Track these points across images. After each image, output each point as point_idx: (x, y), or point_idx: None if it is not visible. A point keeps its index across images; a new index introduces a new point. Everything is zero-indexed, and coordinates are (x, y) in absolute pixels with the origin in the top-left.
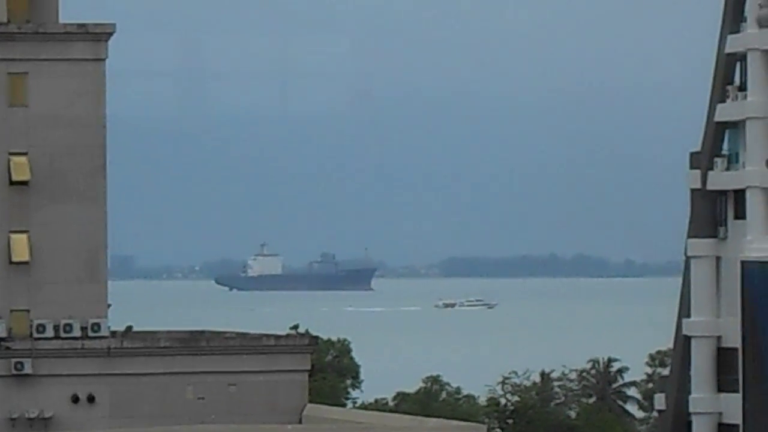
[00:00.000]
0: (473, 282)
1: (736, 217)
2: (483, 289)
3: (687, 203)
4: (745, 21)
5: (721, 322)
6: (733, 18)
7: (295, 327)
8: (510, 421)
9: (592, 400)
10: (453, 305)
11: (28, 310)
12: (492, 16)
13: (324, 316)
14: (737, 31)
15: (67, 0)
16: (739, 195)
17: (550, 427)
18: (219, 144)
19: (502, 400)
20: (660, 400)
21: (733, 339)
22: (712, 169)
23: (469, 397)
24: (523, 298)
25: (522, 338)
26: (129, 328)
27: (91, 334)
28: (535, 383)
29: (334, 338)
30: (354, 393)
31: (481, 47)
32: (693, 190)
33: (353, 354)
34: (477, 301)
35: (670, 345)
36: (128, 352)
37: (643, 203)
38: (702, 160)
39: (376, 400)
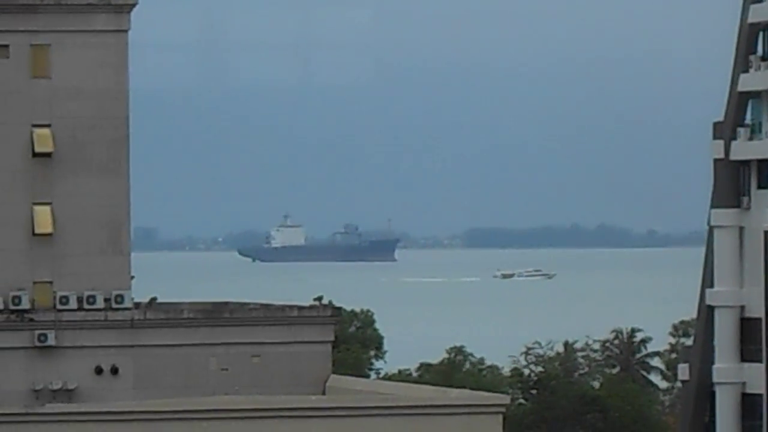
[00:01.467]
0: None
1: (759, 187)
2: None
3: (710, 173)
4: None
5: (744, 291)
6: None
7: (319, 298)
8: (533, 391)
9: (615, 371)
10: (512, 276)
11: (51, 282)
12: None
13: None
14: (760, 1)
15: None
16: (763, 165)
17: (574, 398)
18: (241, 115)
19: (526, 371)
20: (683, 371)
21: (757, 309)
22: (735, 139)
23: (493, 368)
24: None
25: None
26: (153, 299)
27: (114, 305)
28: (558, 354)
29: (357, 309)
30: (377, 364)
31: (504, 17)
32: (716, 160)
33: (377, 325)
34: (536, 271)
35: (694, 315)
36: (151, 324)
37: (666, 173)
38: (725, 130)
39: (400, 371)
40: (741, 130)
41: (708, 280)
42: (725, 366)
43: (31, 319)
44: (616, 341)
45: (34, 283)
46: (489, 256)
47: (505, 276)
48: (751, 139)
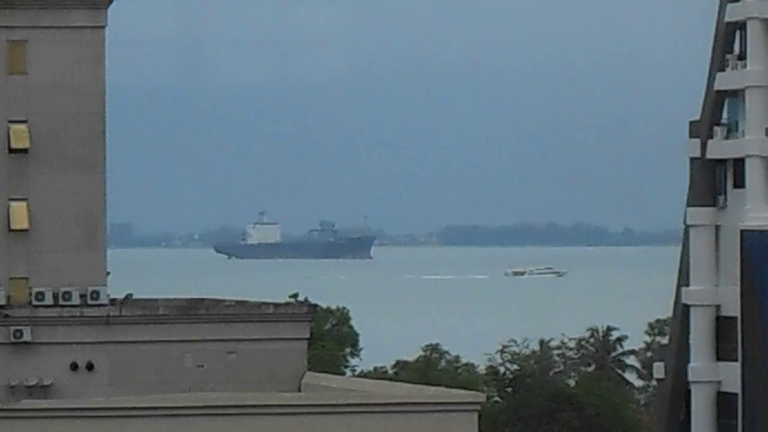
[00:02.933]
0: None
1: (736, 186)
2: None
3: (686, 172)
4: None
5: (720, 290)
6: None
7: (295, 295)
8: (509, 389)
9: (591, 369)
10: (523, 273)
11: (27, 278)
12: None
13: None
14: (737, 0)
15: None
16: (739, 164)
17: (549, 396)
18: (218, 112)
19: (501, 369)
20: (659, 369)
21: (732, 308)
22: (711, 137)
23: (469, 366)
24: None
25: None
26: (129, 296)
27: (90, 301)
28: (534, 352)
29: (333, 306)
30: (353, 361)
31: (483, 15)
32: (692, 159)
33: (353, 322)
34: (546, 269)
35: (670, 314)
36: (127, 320)
37: (642, 172)
38: (701, 129)
39: (376, 369)
40: (717, 129)
41: (684, 279)
42: (701, 365)
43: (7, 315)
44: (592, 339)
45: (10, 278)
46: (465, 254)
47: (516, 273)
48: (727, 137)
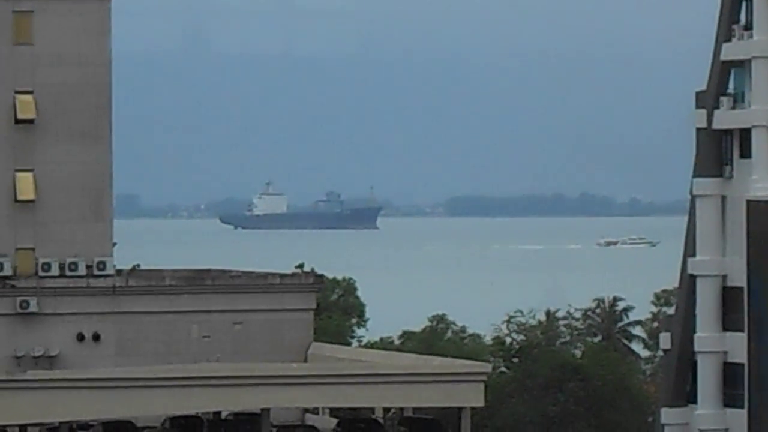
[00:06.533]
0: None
1: (742, 156)
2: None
3: (692, 142)
4: None
5: (726, 261)
6: None
7: (301, 266)
8: (515, 360)
9: (597, 339)
10: (615, 243)
11: (33, 249)
12: None
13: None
14: None
15: None
16: (745, 134)
17: (556, 366)
18: (224, 82)
19: (508, 339)
20: (665, 339)
21: (739, 278)
22: (717, 108)
23: (474, 336)
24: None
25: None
26: (136, 266)
27: (96, 272)
28: (540, 322)
29: (339, 277)
30: (359, 332)
31: None
32: (698, 129)
33: (359, 293)
34: (639, 239)
35: (676, 284)
36: (133, 291)
37: (648, 142)
38: (708, 99)
39: (382, 339)
40: (724, 99)
41: (690, 249)
42: (707, 335)
43: (13, 286)
44: (598, 310)
45: (17, 249)
46: (473, 225)
47: (608, 243)
48: (733, 108)
